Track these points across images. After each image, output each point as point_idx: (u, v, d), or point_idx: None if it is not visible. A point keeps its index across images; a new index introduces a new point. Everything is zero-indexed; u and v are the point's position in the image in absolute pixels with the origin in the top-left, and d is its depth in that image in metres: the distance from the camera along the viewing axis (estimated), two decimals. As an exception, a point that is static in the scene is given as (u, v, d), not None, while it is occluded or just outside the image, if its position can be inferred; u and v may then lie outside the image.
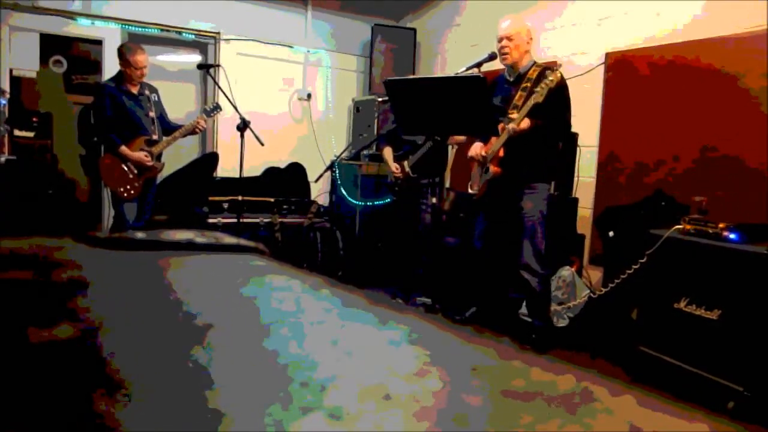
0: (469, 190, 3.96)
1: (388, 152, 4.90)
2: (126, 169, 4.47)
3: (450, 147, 5.29)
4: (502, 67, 3.89)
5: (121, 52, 4.53)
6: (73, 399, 0.34)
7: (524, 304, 4.14)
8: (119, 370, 0.37)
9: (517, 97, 3.59)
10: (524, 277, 3.70)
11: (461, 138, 4.67)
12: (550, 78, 3.42)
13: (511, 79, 3.78)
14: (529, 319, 3.93)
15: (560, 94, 3.54)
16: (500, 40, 3.73)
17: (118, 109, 4.46)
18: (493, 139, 3.68)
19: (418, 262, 4.76)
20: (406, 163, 4.65)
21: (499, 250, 3.90)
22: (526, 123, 3.49)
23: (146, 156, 4.49)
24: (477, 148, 3.80)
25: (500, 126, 3.57)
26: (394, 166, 4.73)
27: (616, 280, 3.76)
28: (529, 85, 3.57)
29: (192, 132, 4.67)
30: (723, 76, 3.98)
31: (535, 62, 3.78)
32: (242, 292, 0.54)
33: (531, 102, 3.44)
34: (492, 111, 3.42)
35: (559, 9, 5.25)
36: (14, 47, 5.49)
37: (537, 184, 3.71)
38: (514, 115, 3.51)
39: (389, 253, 5.38)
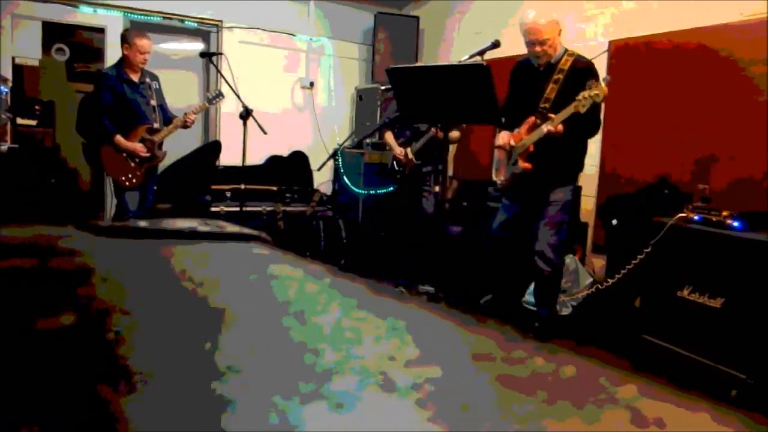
0: (494, 177, 3.87)
1: (390, 137, 4.89)
2: (127, 157, 4.46)
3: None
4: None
5: (126, 36, 4.50)
6: (78, 386, 0.34)
7: (527, 292, 4.13)
8: (124, 357, 0.37)
9: (548, 90, 3.45)
10: (538, 265, 3.59)
11: (456, 135, 4.67)
12: (595, 92, 3.16)
13: (541, 69, 3.57)
14: (533, 308, 3.92)
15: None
16: (533, 43, 3.48)
17: (119, 98, 4.43)
18: (523, 130, 3.54)
19: (418, 250, 4.75)
20: (409, 150, 4.66)
21: (521, 239, 3.80)
22: (559, 127, 3.33)
23: (141, 146, 4.46)
24: (505, 137, 3.66)
25: (530, 119, 3.46)
26: (398, 150, 4.73)
27: (623, 271, 3.73)
28: (561, 77, 3.43)
29: (184, 126, 4.60)
30: (727, 63, 3.95)
31: (566, 50, 3.56)
32: (245, 280, 0.54)
33: (571, 109, 3.24)
34: (495, 99, 3.36)
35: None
36: (17, 35, 5.48)
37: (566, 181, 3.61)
38: (552, 115, 3.35)
39: (392, 242, 5.38)
